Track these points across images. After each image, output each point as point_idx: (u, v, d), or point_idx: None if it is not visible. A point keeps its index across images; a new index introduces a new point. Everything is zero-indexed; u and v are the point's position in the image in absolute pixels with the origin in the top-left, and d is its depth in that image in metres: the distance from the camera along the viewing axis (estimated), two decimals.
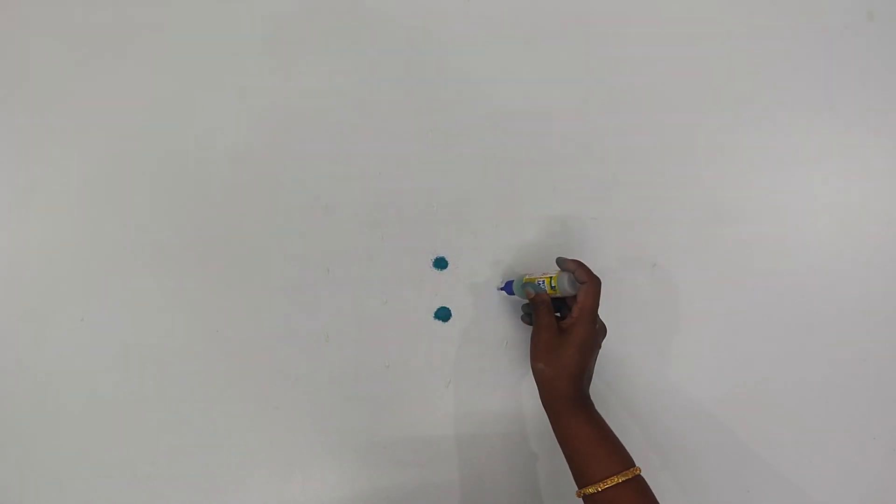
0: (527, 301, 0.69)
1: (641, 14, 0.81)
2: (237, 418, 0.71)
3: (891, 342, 0.76)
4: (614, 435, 0.61)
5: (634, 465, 0.59)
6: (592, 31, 0.81)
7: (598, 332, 0.65)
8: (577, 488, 0.60)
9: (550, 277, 0.65)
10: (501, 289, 0.73)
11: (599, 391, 0.73)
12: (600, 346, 0.66)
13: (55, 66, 0.76)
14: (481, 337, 0.74)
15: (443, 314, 0.74)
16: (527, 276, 0.69)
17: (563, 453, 0.62)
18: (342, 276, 0.74)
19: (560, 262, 0.66)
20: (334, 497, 0.70)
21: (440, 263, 0.75)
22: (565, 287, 0.64)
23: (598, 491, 0.57)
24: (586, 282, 0.63)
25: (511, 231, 0.76)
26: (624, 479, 0.57)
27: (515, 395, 0.73)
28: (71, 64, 0.76)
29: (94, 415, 0.70)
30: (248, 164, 0.75)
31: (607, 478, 0.57)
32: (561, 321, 0.65)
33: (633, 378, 0.74)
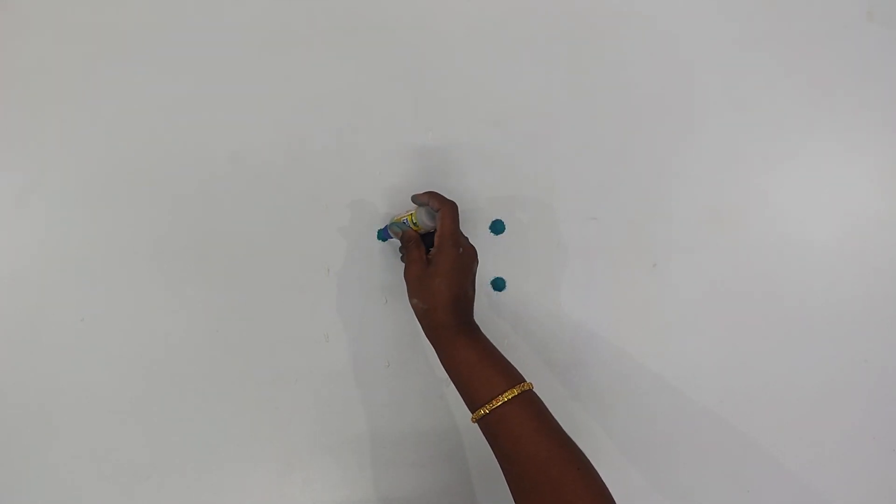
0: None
1: (641, 14, 0.81)
2: (237, 418, 0.71)
3: (891, 342, 0.76)
4: (501, 355, 0.60)
5: (524, 381, 0.58)
6: (592, 31, 0.81)
7: (463, 255, 0.63)
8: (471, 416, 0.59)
9: (411, 214, 0.66)
10: (381, 237, 0.73)
11: (599, 390, 0.73)
12: (472, 270, 0.65)
13: (55, 66, 0.76)
14: None
15: None
16: (394, 217, 0.69)
17: (453, 382, 0.61)
18: (342, 276, 0.74)
19: (414, 198, 0.67)
20: (334, 497, 0.70)
21: None
22: (424, 220, 0.64)
23: (488, 412, 0.56)
24: (440, 207, 0.63)
25: (510, 231, 0.76)
26: (510, 396, 0.56)
27: None
28: (71, 64, 0.76)
29: (94, 415, 0.71)
30: (249, 164, 0.75)
31: (493, 398, 0.56)
32: (429, 254, 0.65)
33: (633, 378, 0.74)
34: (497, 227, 0.76)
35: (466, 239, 0.66)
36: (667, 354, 0.75)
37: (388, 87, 0.78)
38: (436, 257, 0.62)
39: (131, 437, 0.70)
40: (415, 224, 0.65)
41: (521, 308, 0.75)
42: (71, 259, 0.73)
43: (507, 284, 0.75)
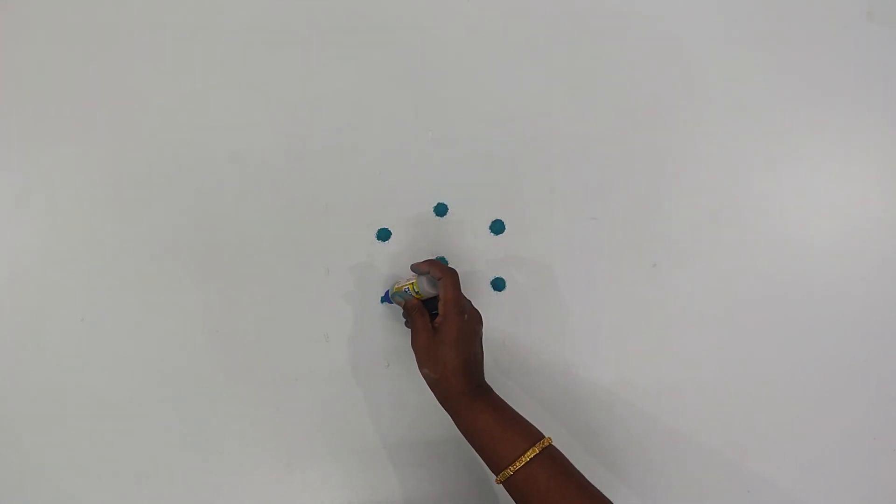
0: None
1: (641, 14, 0.81)
2: (237, 418, 0.71)
3: (891, 342, 0.76)
4: (517, 414, 0.60)
5: (543, 438, 0.58)
6: (592, 32, 0.81)
7: (469, 320, 0.64)
8: (495, 478, 0.59)
9: (412, 283, 0.65)
10: (383, 300, 0.73)
11: (599, 390, 0.73)
12: (479, 334, 0.65)
13: (55, 66, 0.76)
14: None
15: None
16: (396, 285, 0.69)
17: (473, 447, 0.61)
18: (342, 276, 0.74)
19: (413, 267, 0.67)
20: (334, 497, 0.70)
21: None
22: (426, 289, 0.64)
23: (513, 473, 0.56)
24: (441, 277, 0.63)
25: (510, 231, 0.76)
26: (533, 454, 0.56)
27: (515, 395, 0.73)
28: (71, 64, 0.76)
29: (94, 415, 0.71)
30: (249, 165, 0.75)
31: (515, 459, 0.56)
32: (434, 321, 0.65)
33: (633, 378, 0.74)
34: (497, 227, 0.76)
35: (470, 302, 0.66)
36: (667, 354, 0.75)
37: (388, 87, 0.78)
38: (442, 326, 0.62)
39: (131, 437, 0.70)
40: (416, 292, 0.65)
41: (521, 308, 0.75)
42: (71, 259, 0.73)
43: (506, 284, 0.75)
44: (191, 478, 0.70)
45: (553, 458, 0.57)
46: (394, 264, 0.74)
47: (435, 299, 0.65)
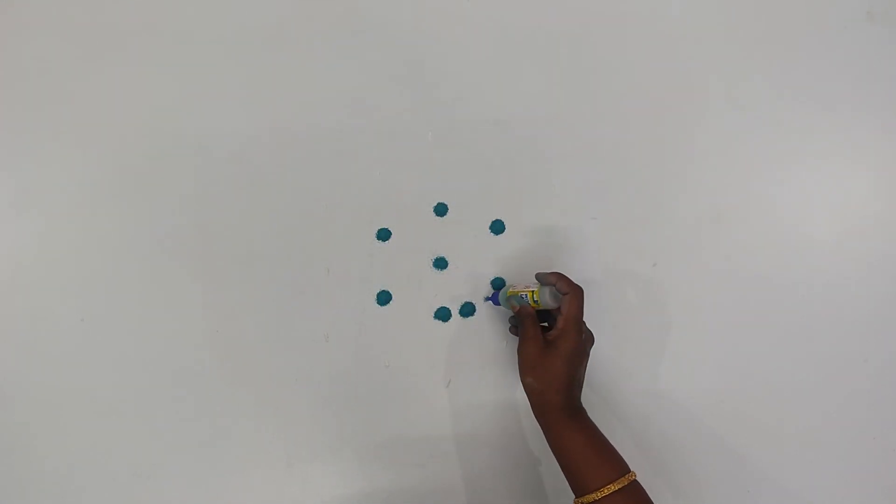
0: (512, 315, 0.70)
1: (641, 14, 0.82)
2: (237, 418, 0.71)
3: (891, 342, 0.76)
4: (608, 442, 0.61)
5: (629, 472, 0.59)
6: (592, 32, 0.81)
7: (584, 341, 0.65)
8: (574, 497, 0.60)
9: (532, 291, 0.65)
10: (488, 299, 0.74)
11: (599, 391, 0.73)
12: (588, 355, 0.66)
13: (55, 66, 0.76)
14: (481, 337, 0.74)
15: (443, 314, 0.74)
16: (511, 289, 0.69)
17: (559, 463, 0.62)
18: (342, 276, 0.74)
19: (540, 277, 0.66)
20: (334, 497, 0.70)
21: (440, 263, 0.75)
22: (547, 300, 0.64)
23: (596, 500, 0.57)
24: (568, 293, 0.63)
25: (510, 231, 0.76)
26: (620, 486, 0.57)
27: (515, 395, 0.73)
28: (71, 64, 0.76)
29: (94, 415, 0.71)
30: (249, 165, 0.75)
31: (603, 486, 0.57)
32: (547, 332, 0.65)
33: (633, 378, 0.74)
34: (497, 227, 0.76)
35: (585, 324, 0.66)
36: (666, 354, 0.75)
37: (388, 87, 0.78)
38: (559, 340, 0.62)
39: (131, 437, 0.70)
40: (535, 301, 0.65)
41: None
42: (71, 259, 0.73)
43: (506, 285, 0.75)
44: (191, 478, 0.70)
45: (636, 495, 0.58)
46: (394, 264, 0.74)
47: (545, 311, 0.66)
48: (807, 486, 0.73)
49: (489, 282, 0.75)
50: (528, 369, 0.63)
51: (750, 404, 0.75)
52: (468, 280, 0.75)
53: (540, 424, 0.64)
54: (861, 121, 0.80)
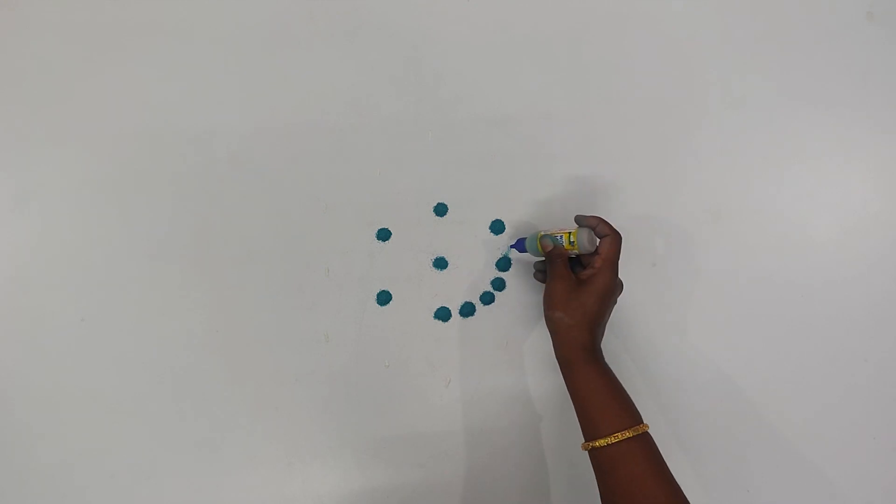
0: (539, 258, 0.70)
1: (641, 14, 0.81)
2: (237, 418, 0.71)
3: (891, 342, 0.76)
4: (625, 390, 0.61)
5: (643, 422, 0.59)
6: (592, 32, 0.81)
7: (617, 285, 0.65)
8: (583, 440, 0.60)
9: (569, 233, 0.65)
10: (513, 246, 0.73)
11: None
12: (616, 302, 0.66)
13: (55, 66, 0.76)
14: (481, 337, 0.74)
15: (443, 314, 0.74)
16: (543, 231, 0.69)
17: (574, 404, 0.61)
18: (342, 276, 0.74)
19: (579, 219, 0.67)
20: (334, 497, 0.70)
21: (440, 263, 0.75)
22: (584, 243, 0.64)
23: (606, 445, 0.57)
24: (609, 234, 0.64)
25: (511, 231, 0.76)
26: (633, 433, 0.57)
27: (515, 395, 0.73)
28: (71, 64, 0.76)
29: (94, 415, 0.71)
30: (249, 165, 0.75)
31: (616, 432, 0.57)
32: (577, 274, 0.66)
33: (633, 378, 0.74)
34: (497, 227, 0.76)
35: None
36: (666, 354, 0.75)
37: (387, 86, 0.78)
38: (595, 277, 0.63)
39: (131, 437, 0.70)
40: (570, 243, 0.65)
41: (521, 308, 0.75)
42: (71, 259, 0.73)
43: (506, 284, 0.75)
44: (191, 477, 0.70)
45: (650, 445, 0.58)
46: (394, 264, 0.74)
47: (572, 259, 0.66)
48: (807, 486, 0.73)
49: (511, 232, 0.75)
50: (560, 304, 0.63)
51: (750, 404, 0.75)
52: (468, 280, 0.75)
53: (560, 364, 0.63)
54: (861, 121, 0.80)
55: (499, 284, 0.75)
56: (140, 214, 0.74)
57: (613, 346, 0.74)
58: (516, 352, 0.74)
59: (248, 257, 0.74)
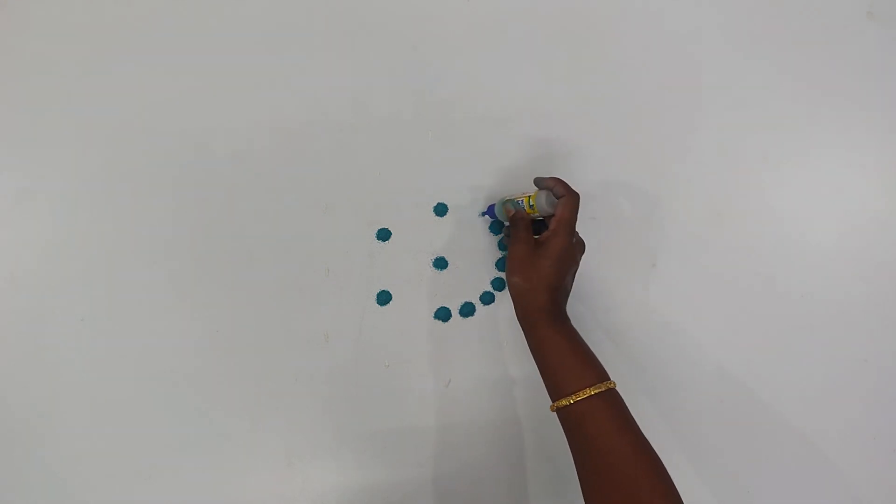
0: (508, 224, 0.70)
1: (641, 14, 0.82)
2: (237, 418, 0.71)
3: (891, 342, 0.76)
4: (589, 349, 0.60)
5: (609, 379, 0.58)
6: (592, 31, 0.81)
7: (575, 246, 0.64)
8: (550, 403, 0.59)
9: (529, 196, 0.66)
10: (484, 213, 0.74)
11: None
12: (578, 263, 0.66)
13: (55, 65, 0.76)
14: (481, 337, 0.74)
15: (443, 314, 0.74)
16: (507, 197, 0.70)
17: (538, 367, 0.61)
18: (342, 276, 0.74)
19: (538, 181, 0.67)
20: (334, 496, 0.70)
21: (440, 263, 0.75)
22: (543, 205, 0.64)
23: (571, 403, 0.56)
24: (564, 195, 0.63)
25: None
26: (597, 391, 0.56)
27: (515, 395, 0.73)
28: (71, 64, 0.76)
29: (94, 415, 0.70)
30: (248, 164, 0.75)
31: (580, 390, 0.56)
32: (538, 237, 0.66)
33: (633, 378, 0.74)
34: (497, 227, 0.76)
35: (578, 233, 0.66)
36: (666, 354, 0.75)
37: (388, 87, 0.78)
38: (550, 240, 0.62)
39: (131, 437, 0.70)
40: (531, 207, 0.66)
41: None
42: (71, 259, 0.73)
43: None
44: (191, 478, 0.70)
45: (615, 400, 0.57)
46: (394, 264, 0.74)
47: (539, 222, 0.66)
48: (807, 486, 0.73)
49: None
50: (516, 269, 0.63)
51: (750, 404, 0.75)
52: (468, 280, 0.75)
53: (522, 326, 0.63)
54: (861, 120, 0.80)
55: (499, 284, 0.75)
56: (140, 214, 0.74)
57: (614, 347, 0.74)
58: (516, 352, 0.74)
59: (248, 257, 0.74)
